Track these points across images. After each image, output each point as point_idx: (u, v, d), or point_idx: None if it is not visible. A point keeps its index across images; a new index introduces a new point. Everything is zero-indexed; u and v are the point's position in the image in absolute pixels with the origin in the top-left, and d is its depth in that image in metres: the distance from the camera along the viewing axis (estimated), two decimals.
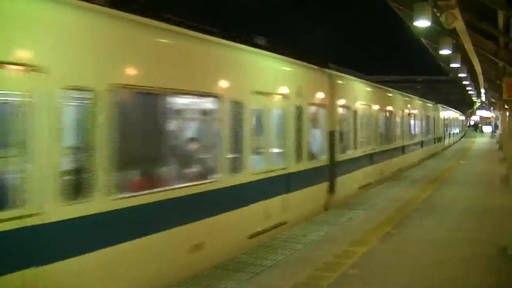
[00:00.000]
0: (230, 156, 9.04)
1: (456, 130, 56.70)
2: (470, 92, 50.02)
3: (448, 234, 10.58)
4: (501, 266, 8.36)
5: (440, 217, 12.32)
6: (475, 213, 12.98)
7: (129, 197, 6.64)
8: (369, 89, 18.81)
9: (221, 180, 8.64)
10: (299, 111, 11.74)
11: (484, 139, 59.48)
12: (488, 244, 9.72)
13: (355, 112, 16.16)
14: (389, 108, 21.29)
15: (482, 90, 38.83)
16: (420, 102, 30.08)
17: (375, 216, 12.23)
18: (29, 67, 5.35)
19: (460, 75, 28.88)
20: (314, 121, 13.16)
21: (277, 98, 10.91)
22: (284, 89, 11.16)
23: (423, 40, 21.83)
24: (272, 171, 10.40)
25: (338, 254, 8.87)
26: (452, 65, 21.97)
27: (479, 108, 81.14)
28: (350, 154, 15.57)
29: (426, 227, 11.21)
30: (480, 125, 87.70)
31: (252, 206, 9.64)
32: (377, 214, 12.56)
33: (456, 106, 60.95)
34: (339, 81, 15.03)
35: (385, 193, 16.02)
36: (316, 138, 13.37)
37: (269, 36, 12.25)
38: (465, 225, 11.45)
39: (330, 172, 13.54)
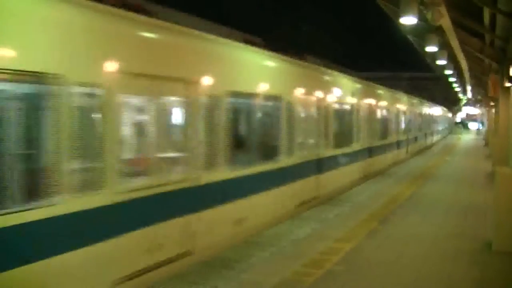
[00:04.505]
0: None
1: (438, 128, 50.42)
2: (456, 89, 50.34)
3: (433, 229, 10.64)
4: (485, 261, 8.42)
5: (425, 213, 12.38)
6: (460, 209, 13.07)
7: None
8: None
9: None
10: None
11: (470, 136, 60.00)
12: (473, 239, 9.79)
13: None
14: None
15: (468, 87, 39.17)
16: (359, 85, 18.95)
17: (361, 213, 12.26)
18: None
19: (446, 72, 29.08)
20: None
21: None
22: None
23: (409, 37, 21.94)
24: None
25: (324, 251, 8.87)
26: (438, 62, 22.09)
27: (465, 104, 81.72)
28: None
29: (412, 223, 11.27)
30: (466, 122, 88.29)
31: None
32: (362, 210, 12.59)
33: (441, 103, 61.17)
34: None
35: (370, 190, 16.08)
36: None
37: (259, 33, 12.35)
38: (450, 221, 11.52)
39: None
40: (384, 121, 22.42)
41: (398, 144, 25.15)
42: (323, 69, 15.15)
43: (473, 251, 8.99)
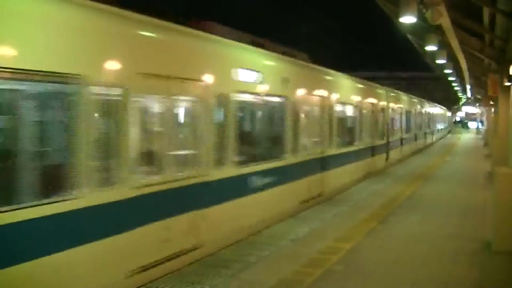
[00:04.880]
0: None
1: (434, 129, 45.64)
2: (456, 89, 50.39)
3: (432, 230, 10.63)
4: (485, 262, 8.41)
5: (424, 213, 12.37)
6: (459, 209, 13.06)
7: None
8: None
9: None
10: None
11: (470, 135, 60.04)
12: (472, 240, 9.78)
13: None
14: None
15: (468, 87, 39.15)
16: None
17: (360, 212, 12.25)
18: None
19: (446, 71, 29.07)
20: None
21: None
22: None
23: (409, 36, 21.93)
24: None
25: (323, 250, 8.87)
26: (438, 62, 22.08)
27: (464, 104, 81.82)
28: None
29: (411, 223, 11.26)
30: (466, 121, 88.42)
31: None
32: (362, 210, 12.59)
33: (441, 102, 61.14)
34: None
35: (369, 189, 16.06)
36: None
37: (256, 33, 12.21)
38: (450, 221, 11.51)
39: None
40: (350, 121, 17.41)
41: (373, 150, 19.94)
42: (215, 38, 9.43)
43: (473, 251, 8.98)
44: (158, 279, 7.30)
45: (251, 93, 10.50)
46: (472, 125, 78.68)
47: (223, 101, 9.13)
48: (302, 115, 12.86)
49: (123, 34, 7.03)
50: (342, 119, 16.38)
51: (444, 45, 18.29)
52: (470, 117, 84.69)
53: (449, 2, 12.27)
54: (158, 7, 8.61)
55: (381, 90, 22.74)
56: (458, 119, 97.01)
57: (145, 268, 7.05)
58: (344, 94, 16.61)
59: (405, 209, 12.88)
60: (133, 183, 6.86)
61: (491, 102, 27.81)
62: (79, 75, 5.96)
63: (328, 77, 15.58)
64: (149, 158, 7.50)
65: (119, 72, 6.70)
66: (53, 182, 5.92)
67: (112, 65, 6.63)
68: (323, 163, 13.89)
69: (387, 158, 22.77)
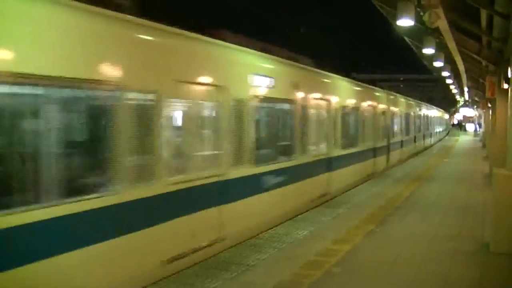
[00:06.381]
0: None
1: (429, 132, 42.73)
2: (453, 91, 50.46)
3: (431, 230, 10.65)
4: (483, 262, 8.44)
5: (423, 214, 12.39)
6: (458, 210, 13.08)
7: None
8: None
9: None
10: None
11: (468, 137, 60.08)
12: (470, 240, 9.81)
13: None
14: None
15: (465, 89, 39.23)
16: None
17: (359, 214, 12.26)
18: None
19: (444, 73, 29.12)
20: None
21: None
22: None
23: (406, 38, 21.99)
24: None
25: (322, 252, 8.88)
26: (435, 64, 22.12)
27: (462, 106, 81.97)
28: None
29: (410, 224, 11.27)
30: (463, 123, 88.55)
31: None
32: (360, 211, 12.60)
33: (438, 104, 61.16)
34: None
35: (368, 191, 16.08)
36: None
37: (258, 34, 12.27)
38: (448, 222, 11.53)
39: None
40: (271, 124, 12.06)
41: (316, 167, 13.71)
42: None
43: (471, 252, 9.00)
44: (158, 282, 7.31)
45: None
46: (470, 127, 78.82)
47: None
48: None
49: None
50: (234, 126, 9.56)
51: (441, 47, 18.34)
52: (468, 119, 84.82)
53: (447, 4, 12.32)
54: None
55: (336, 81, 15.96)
56: (456, 121, 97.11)
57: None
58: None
59: (404, 210, 12.89)
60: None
61: (489, 104, 27.86)
62: None
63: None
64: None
65: None
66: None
67: None
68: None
69: (329, 182, 14.62)
